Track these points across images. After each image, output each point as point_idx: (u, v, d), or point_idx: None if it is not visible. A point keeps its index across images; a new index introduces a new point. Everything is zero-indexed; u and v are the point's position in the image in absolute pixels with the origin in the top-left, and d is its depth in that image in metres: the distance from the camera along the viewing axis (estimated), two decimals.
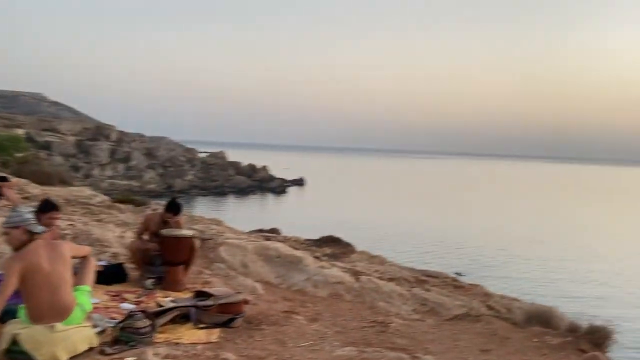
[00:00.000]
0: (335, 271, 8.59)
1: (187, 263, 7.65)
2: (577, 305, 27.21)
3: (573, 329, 5.50)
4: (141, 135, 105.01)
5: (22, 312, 4.78)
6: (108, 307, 6.46)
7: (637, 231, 61.54)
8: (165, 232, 7.43)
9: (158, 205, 12.07)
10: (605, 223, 69.04)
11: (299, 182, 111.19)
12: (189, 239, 7.48)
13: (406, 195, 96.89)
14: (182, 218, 8.12)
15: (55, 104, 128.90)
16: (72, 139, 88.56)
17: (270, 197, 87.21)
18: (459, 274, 37.00)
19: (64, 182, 13.53)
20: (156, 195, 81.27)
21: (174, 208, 7.66)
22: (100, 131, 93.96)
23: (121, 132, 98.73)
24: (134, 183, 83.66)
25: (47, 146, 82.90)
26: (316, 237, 11.42)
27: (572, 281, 35.11)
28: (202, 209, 70.73)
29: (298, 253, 9.18)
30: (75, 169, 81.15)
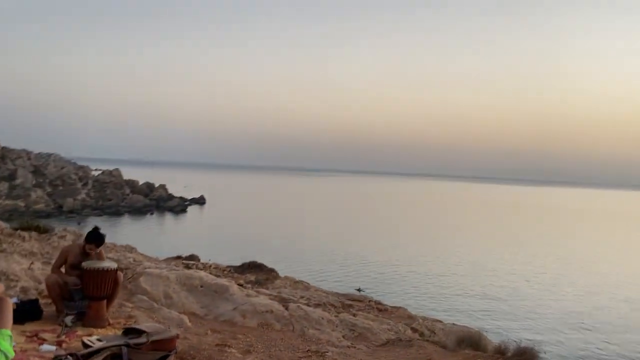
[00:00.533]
0: (263, 299, 8.46)
1: (110, 297, 7.23)
2: (465, 318, 28.92)
3: (501, 351, 5.81)
4: (27, 152, 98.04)
5: None
6: (26, 351, 5.90)
7: (524, 245, 66.60)
8: (86, 264, 6.97)
9: (66, 232, 11.18)
10: (500, 238, 74.08)
11: (200, 201, 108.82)
12: (112, 271, 7.07)
13: (307, 211, 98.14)
14: (103, 249, 7.68)
15: None
16: None
17: (169, 217, 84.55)
18: (359, 289, 38.01)
19: None
20: (45, 215, 76.07)
21: (96, 238, 7.23)
22: None
23: (5, 148, 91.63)
24: (20, 203, 77.55)
25: None
26: (235, 262, 11.01)
27: (464, 296, 37.27)
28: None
29: (222, 281, 8.91)
30: None
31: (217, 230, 69.16)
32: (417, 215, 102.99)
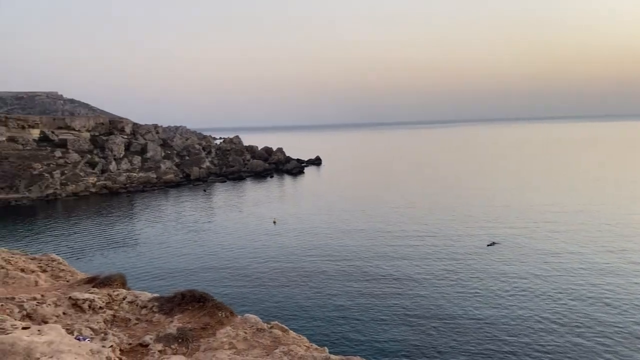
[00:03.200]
0: None
1: None
2: None
3: None
4: (156, 126, 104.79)
5: None
6: None
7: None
8: None
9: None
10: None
11: (316, 162, 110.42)
12: None
13: (429, 164, 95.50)
14: None
15: (71, 101, 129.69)
16: (86, 135, 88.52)
17: (287, 179, 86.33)
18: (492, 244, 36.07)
19: None
20: (174, 185, 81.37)
21: None
22: (114, 125, 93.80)
23: (136, 125, 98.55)
24: (152, 175, 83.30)
25: (62, 144, 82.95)
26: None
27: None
28: (221, 195, 70.47)
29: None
30: (92, 165, 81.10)
31: (327, 191, 69.25)
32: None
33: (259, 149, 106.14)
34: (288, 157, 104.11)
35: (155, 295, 5.73)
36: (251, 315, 5.51)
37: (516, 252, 35.93)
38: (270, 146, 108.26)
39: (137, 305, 5.39)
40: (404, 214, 50.94)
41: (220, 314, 5.50)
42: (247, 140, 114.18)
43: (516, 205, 53.02)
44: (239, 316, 5.57)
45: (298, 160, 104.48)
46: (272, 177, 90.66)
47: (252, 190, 75.17)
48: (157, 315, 5.42)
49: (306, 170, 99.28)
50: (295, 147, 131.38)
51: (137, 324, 5.17)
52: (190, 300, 5.66)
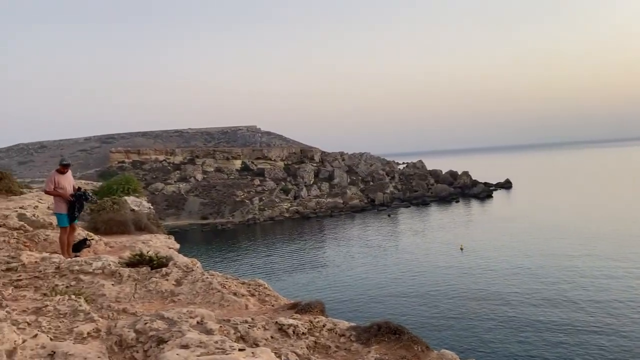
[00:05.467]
0: None
1: None
2: None
3: None
4: (342, 153, 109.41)
5: None
6: None
7: None
8: None
9: (172, 268, 7.74)
10: None
11: (505, 185, 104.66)
12: None
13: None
14: None
15: (268, 133, 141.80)
16: (281, 164, 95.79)
17: (474, 204, 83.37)
18: None
19: (141, 229, 12.84)
20: (359, 210, 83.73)
21: None
22: (305, 154, 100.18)
23: (324, 153, 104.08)
24: (338, 200, 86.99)
25: (260, 173, 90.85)
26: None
27: None
28: (405, 220, 70.62)
29: None
30: (285, 191, 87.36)
31: (519, 217, 64.96)
32: None
33: (443, 172, 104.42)
34: (475, 180, 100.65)
35: (352, 324, 5.86)
36: (448, 352, 5.35)
37: None
38: (455, 170, 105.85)
39: (336, 333, 5.58)
40: (614, 241, 45.74)
41: (416, 348, 5.43)
42: (431, 164, 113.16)
43: None
44: (435, 351, 5.46)
45: (485, 183, 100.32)
46: (457, 201, 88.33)
47: (436, 215, 74.03)
48: (354, 344, 5.55)
49: (495, 194, 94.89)
50: (482, 170, 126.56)
51: (337, 351, 5.34)
52: (386, 332, 5.68)
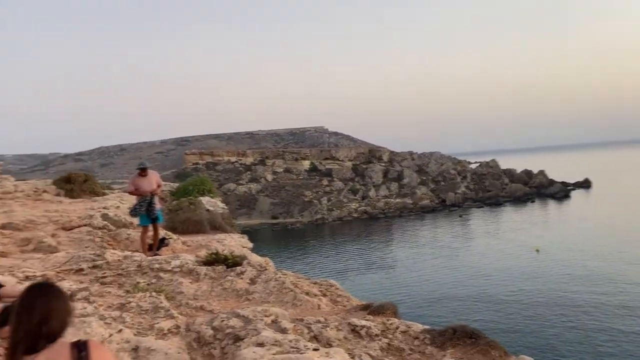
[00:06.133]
0: None
1: None
2: None
3: None
4: (411, 153, 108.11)
5: None
6: None
7: None
8: None
9: (247, 267, 7.85)
10: None
11: (584, 185, 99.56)
12: None
13: None
14: None
15: (335, 134, 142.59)
16: (349, 164, 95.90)
17: (551, 204, 79.96)
18: None
19: (216, 229, 13.00)
20: (430, 210, 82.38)
21: None
22: (373, 154, 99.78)
23: (392, 152, 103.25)
24: (408, 200, 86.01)
25: (328, 173, 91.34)
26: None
27: None
28: (477, 221, 68.80)
29: None
30: (354, 192, 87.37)
31: (600, 221, 61.42)
32: None
33: (518, 172, 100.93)
34: (551, 179, 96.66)
35: (426, 327, 5.76)
36: (527, 357, 5.16)
37: None
38: (530, 169, 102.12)
39: (409, 336, 5.49)
40: None
41: (493, 353, 5.28)
42: (504, 163, 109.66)
43: None
44: (514, 357, 5.28)
45: (563, 183, 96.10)
46: (533, 202, 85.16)
47: (511, 215, 71.64)
48: (429, 347, 5.44)
49: (573, 194, 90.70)
50: (559, 169, 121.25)
51: (411, 354, 5.27)
52: (462, 336, 5.54)
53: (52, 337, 2.15)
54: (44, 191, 15.90)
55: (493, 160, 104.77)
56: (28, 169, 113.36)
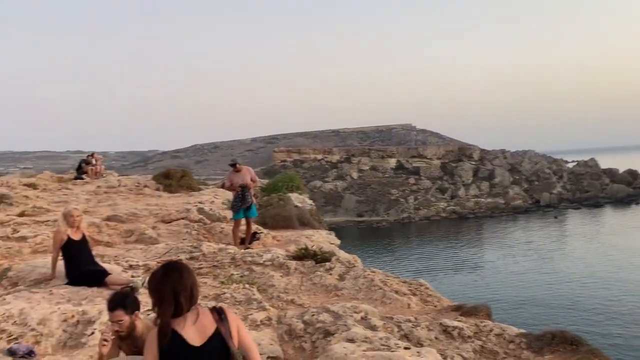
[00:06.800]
0: None
1: None
2: None
3: None
4: (503, 151, 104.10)
5: None
6: None
7: None
8: None
9: (335, 264, 8.04)
10: None
11: None
12: None
13: None
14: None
15: (423, 131, 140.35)
16: (437, 162, 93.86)
17: None
18: None
19: (304, 225, 13.05)
20: (522, 211, 78.98)
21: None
22: (462, 152, 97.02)
23: (483, 151, 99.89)
24: (499, 200, 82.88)
25: (415, 171, 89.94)
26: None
27: None
28: (575, 222, 65.16)
29: None
30: (442, 190, 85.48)
31: None
32: None
33: (620, 171, 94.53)
34: None
35: (522, 331, 5.54)
36: None
37: None
38: (634, 168, 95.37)
39: (504, 339, 5.30)
40: None
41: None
42: (604, 162, 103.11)
43: None
44: None
45: None
46: (637, 203, 79.56)
47: (612, 217, 67.26)
48: (525, 352, 5.24)
49: None
50: None
51: (505, 358, 5.10)
52: (561, 342, 5.28)
53: (193, 302, 2.60)
54: (145, 186, 16.91)
55: (592, 159, 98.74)
56: (129, 165, 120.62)
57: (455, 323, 5.41)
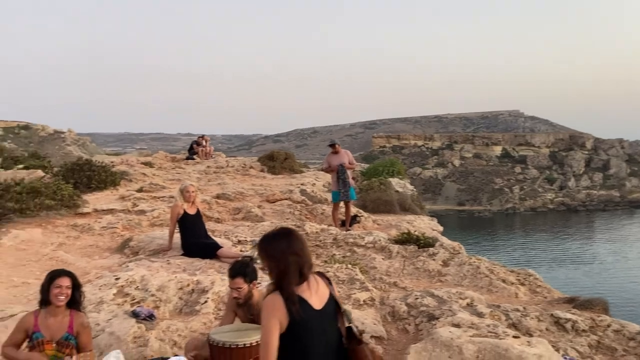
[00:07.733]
0: None
1: None
2: None
3: None
4: (621, 140, 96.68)
5: None
6: None
7: None
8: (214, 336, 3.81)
9: (441, 248, 8.21)
10: None
11: None
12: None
13: None
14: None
15: (532, 118, 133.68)
16: (545, 151, 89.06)
17: None
18: None
19: (405, 210, 12.58)
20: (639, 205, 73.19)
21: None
22: (574, 141, 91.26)
23: (597, 140, 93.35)
24: (614, 193, 77.19)
25: (522, 160, 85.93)
26: None
27: None
28: None
29: None
30: (550, 181, 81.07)
31: None
32: None
33: None
34: None
35: None
36: None
37: None
38: None
39: (623, 336, 4.98)
40: None
41: None
42: None
43: None
44: None
45: None
46: None
47: None
48: None
49: None
50: None
51: (625, 356, 4.78)
52: None
53: (311, 268, 2.74)
54: (250, 167, 17.51)
55: None
56: (234, 147, 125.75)
57: (569, 315, 5.15)
